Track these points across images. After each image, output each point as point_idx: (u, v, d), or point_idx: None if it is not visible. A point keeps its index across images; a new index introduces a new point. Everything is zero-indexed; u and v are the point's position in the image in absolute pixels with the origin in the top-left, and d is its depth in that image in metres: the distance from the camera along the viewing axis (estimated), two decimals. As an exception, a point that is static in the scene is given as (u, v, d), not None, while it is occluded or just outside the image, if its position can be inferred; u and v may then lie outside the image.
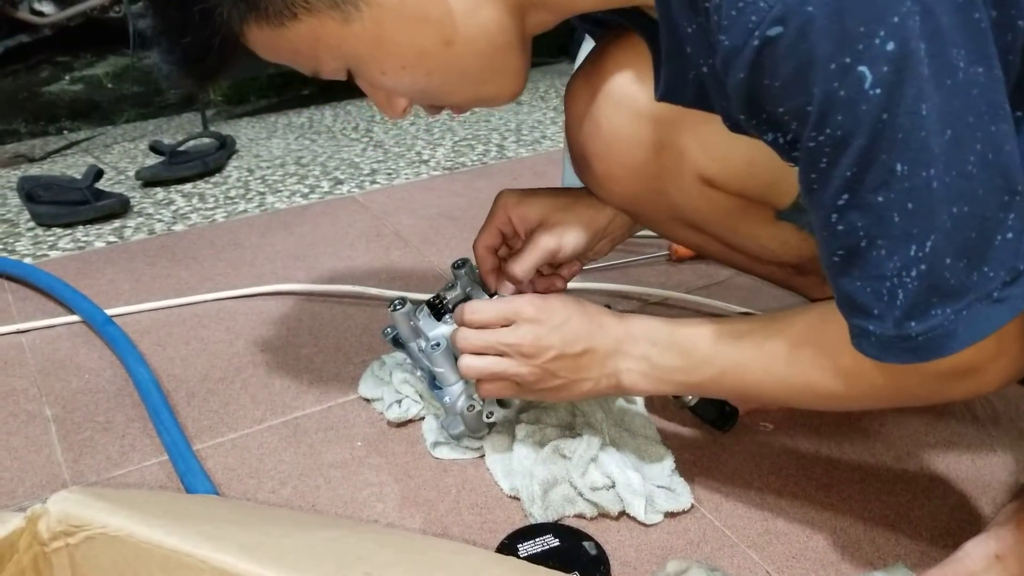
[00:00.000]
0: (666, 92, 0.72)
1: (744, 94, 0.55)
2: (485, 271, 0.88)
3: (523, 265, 0.84)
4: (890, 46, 0.49)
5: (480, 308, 0.77)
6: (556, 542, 0.73)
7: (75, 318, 1.16)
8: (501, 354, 0.75)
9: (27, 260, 1.35)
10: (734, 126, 0.67)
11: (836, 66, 0.50)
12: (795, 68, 0.51)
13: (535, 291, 0.89)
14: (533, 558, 0.71)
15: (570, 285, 1.21)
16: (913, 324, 0.56)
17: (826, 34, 0.49)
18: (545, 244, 0.84)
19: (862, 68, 0.49)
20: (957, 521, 0.81)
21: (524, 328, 0.74)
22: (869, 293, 0.57)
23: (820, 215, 0.57)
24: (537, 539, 0.74)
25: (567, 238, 0.84)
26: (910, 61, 0.49)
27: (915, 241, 0.53)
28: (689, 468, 0.86)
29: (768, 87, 0.53)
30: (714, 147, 0.76)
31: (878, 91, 0.50)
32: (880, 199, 0.53)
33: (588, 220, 0.85)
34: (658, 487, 0.82)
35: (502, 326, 0.75)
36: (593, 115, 0.77)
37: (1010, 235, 0.54)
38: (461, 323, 0.78)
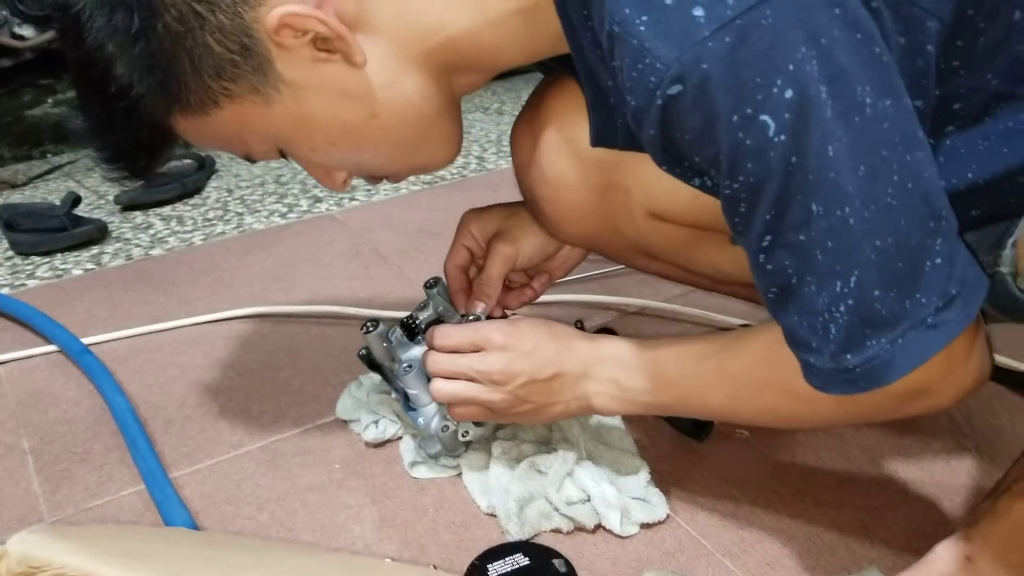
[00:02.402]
0: (597, 139, 0.73)
1: (659, 147, 0.57)
2: (455, 291, 0.89)
3: (487, 276, 0.85)
4: (788, 93, 0.50)
5: (449, 333, 0.78)
6: (526, 561, 0.74)
7: (52, 348, 1.16)
8: (472, 379, 0.75)
9: (5, 290, 1.35)
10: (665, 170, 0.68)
11: (739, 118, 0.51)
12: (701, 122, 0.52)
13: (506, 305, 0.90)
14: (503, 579, 0.72)
15: (549, 298, 1.22)
16: (849, 356, 0.57)
17: (724, 88, 0.50)
18: (502, 251, 0.85)
19: (764, 117, 0.50)
20: (932, 523, 0.81)
21: (493, 356, 0.75)
22: (806, 327, 0.57)
23: (749, 255, 0.58)
24: (507, 559, 0.74)
25: (523, 243, 0.86)
26: (811, 106, 0.50)
27: (839, 277, 0.54)
28: (665, 479, 0.86)
29: (680, 140, 0.55)
30: (658, 184, 0.75)
31: (783, 137, 0.51)
32: (802, 238, 0.54)
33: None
34: (633, 499, 0.83)
35: (472, 351, 0.76)
36: (537, 161, 0.78)
37: (939, 260, 0.54)
38: (431, 347, 0.79)
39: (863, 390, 0.58)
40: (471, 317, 0.85)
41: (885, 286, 0.54)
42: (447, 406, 0.80)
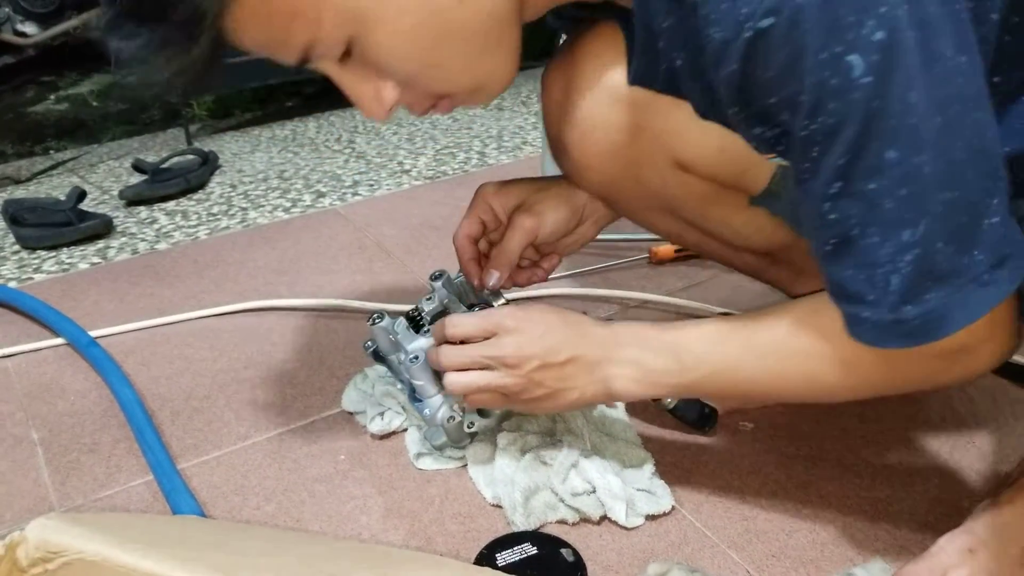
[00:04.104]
0: (636, 79, 0.73)
1: (735, 86, 0.56)
2: (465, 260, 0.87)
3: (507, 247, 0.85)
4: (879, 35, 0.50)
5: (460, 322, 0.77)
6: (534, 550, 0.74)
7: (60, 341, 1.16)
8: (485, 368, 0.75)
9: (12, 284, 1.36)
10: (704, 115, 0.68)
11: (827, 55, 0.51)
12: (787, 58, 0.52)
13: (515, 283, 0.90)
14: (511, 567, 0.72)
15: (550, 292, 1.23)
16: (909, 308, 0.56)
17: (816, 24, 0.50)
18: (525, 223, 0.85)
19: (852, 57, 0.50)
20: (936, 515, 0.82)
21: (505, 339, 0.74)
22: (862, 280, 0.57)
23: (812, 205, 0.58)
24: (515, 548, 0.74)
25: (546, 217, 0.86)
26: (899, 50, 0.50)
27: (908, 226, 0.54)
28: (670, 470, 0.87)
29: (760, 78, 0.54)
30: (687, 132, 0.76)
31: (868, 79, 0.51)
32: (872, 186, 0.54)
33: (566, 198, 0.87)
34: (638, 490, 0.83)
35: (483, 339, 0.75)
36: (569, 101, 0.78)
37: (995, 219, 0.55)
38: (442, 339, 0.78)
39: (918, 343, 0.58)
40: (479, 305, 0.85)
41: (948, 239, 0.54)
42: (463, 396, 0.78)
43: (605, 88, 0.76)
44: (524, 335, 0.74)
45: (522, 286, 0.92)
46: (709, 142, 0.77)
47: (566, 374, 0.74)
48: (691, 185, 0.81)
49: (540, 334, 0.73)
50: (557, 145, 0.83)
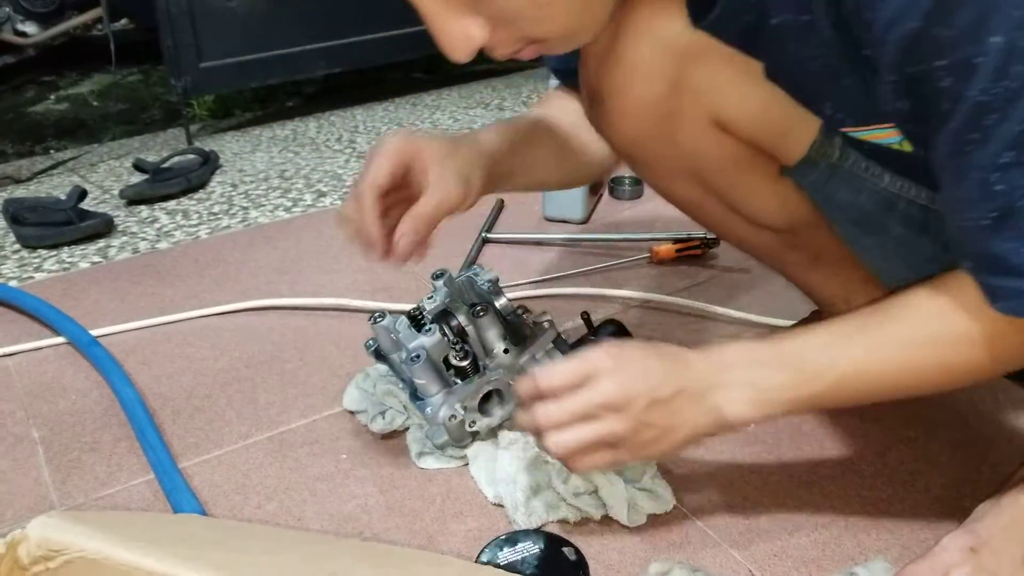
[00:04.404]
0: (709, 26, 0.70)
1: (906, 46, 0.54)
2: (369, 220, 0.75)
3: (429, 213, 0.75)
4: None
5: (552, 372, 0.69)
6: (537, 549, 0.74)
7: (61, 340, 1.16)
8: (588, 418, 0.67)
9: (13, 283, 1.36)
10: (775, 77, 0.67)
11: (1021, 14, 0.49)
12: (973, 16, 0.50)
13: (395, 258, 0.78)
14: (512, 566, 0.72)
15: (552, 291, 1.23)
16: None
17: None
18: (453, 191, 0.76)
19: None
20: (937, 515, 0.82)
21: (606, 381, 0.67)
22: None
23: (975, 175, 0.56)
24: (517, 546, 0.74)
25: (474, 185, 0.79)
26: None
27: None
28: (671, 470, 0.87)
29: (937, 37, 0.52)
30: (732, 88, 0.75)
31: None
32: None
33: (476, 165, 0.79)
34: (640, 490, 0.83)
35: (579, 385, 0.68)
36: (616, 47, 0.75)
37: None
38: (532, 395, 0.69)
39: None
40: (480, 305, 0.84)
41: None
42: (565, 460, 0.70)
43: (657, 35, 0.73)
44: (625, 373, 0.67)
45: (402, 262, 0.78)
46: (752, 101, 0.76)
47: (675, 409, 0.68)
48: (726, 147, 0.80)
49: (641, 370, 0.68)
50: (593, 93, 0.81)
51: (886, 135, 0.68)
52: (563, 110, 0.93)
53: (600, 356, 0.68)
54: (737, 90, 0.75)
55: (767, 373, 0.68)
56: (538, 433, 0.69)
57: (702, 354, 0.70)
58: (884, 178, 0.78)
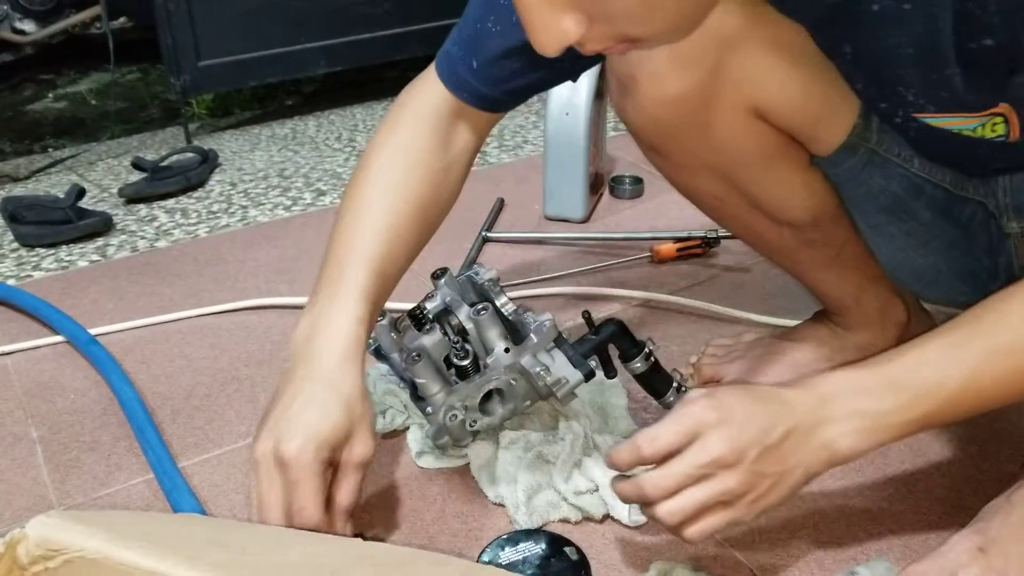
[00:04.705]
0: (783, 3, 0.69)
1: None
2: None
3: (347, 504, 0.72)
4: None
5: (656, 436, 0.66)
6: (538, 548, 0.74)
7: (59, 339, 1.16)
8: (699, 479, 0.64)
9: (11, 281, 1.35)
10: (853, 57, 0.67)
11: None
12: None
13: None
14: (514, 566, 0.72)
15: (552, 291, 1.22)
16: None
17: None
18: (359, 460, 0.73)
19: None
20: (939, 514, 0.82)
21: (712, 437, 0.64)
22: None
23: None
24: (519, 546, 0.74)
25: (368, 436, 0.74)
26: None
27: None
28: (672, 469, 0.87)
29: None
30: (773, 75, 0.74)
31: None
32: None
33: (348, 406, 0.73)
34: (641, 489, 0.83)
35: (685, 443, 0.65)
36: None
37: None
38: (635, 462, 0.67)
39: None
40: (481, 304, 0.84)
41: None
42: (679, 529, 0.67)
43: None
44: (731, 425, 0.65)
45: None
46: (793, 88, 0.75)
47: (786, 452, 0.65)
48: (761, 136, 0.79)
49: (747, 418, 0.65)
50: (625, 79, 0.78)
51: (964, 122, 0.67)
52: (415, 154, 0.85)
53: (701, 411, 0.65)
54: (778, 77, 0.75)
55: (875, 399, 0.65)
56: (646, 505, 0.67)
57: (802, 389, 0.67)
58: (914, 162, 0.78)
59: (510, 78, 0.82)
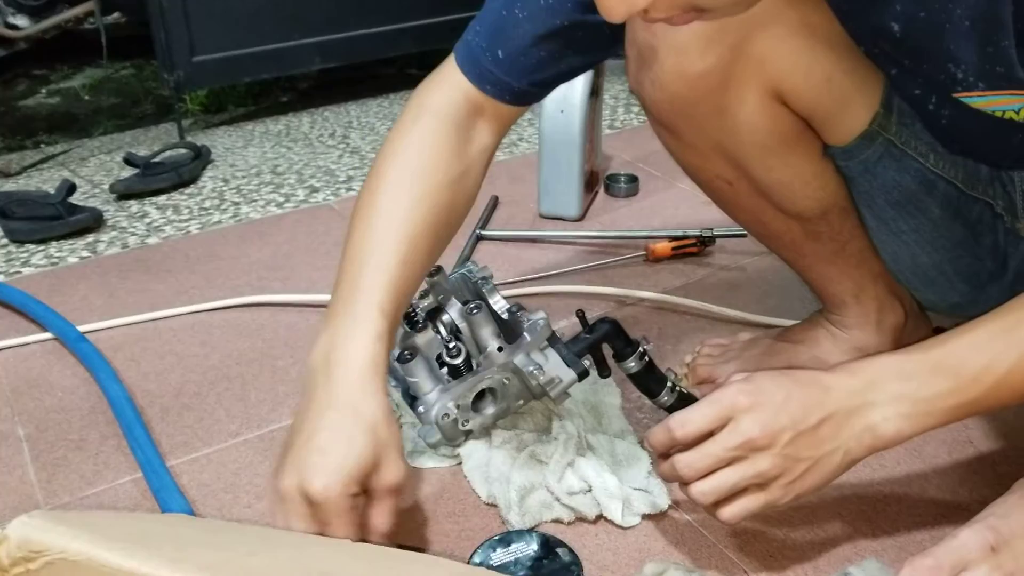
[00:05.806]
0: None
1: None
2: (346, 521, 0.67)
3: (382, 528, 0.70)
4: None
5: (688, 419, 0.67)
6: (530, 550, 0.73)
7: (48, 335, 1.15)
8: (732, 461, 0.66)
9: (0, 277, 1.34)
10: (901, 31, 0.65)
11: None
12: None
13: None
14: (506, 567, 0.71)
15: (547, 290, 1.21)
16: None
17: None
18: (393, 487, 0.70)
19: None
20: (934, 515, 0.81)
21: (745, 420, 0.65)
22: None
23: None
24: (511, 547, 0.73)
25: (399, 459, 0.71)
26: None
27: None
28: (666, 470, 0.86)
29: None
30: (797, 57, 0.73)
31: None
32: None
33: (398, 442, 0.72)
34: (635, 489, 0.82)
35: (718, 426, 0.66)
36: None
37: None
38: (668, 445, 0.68)
39: None
40: (474, 302, 0.83)
41: None
42: (714, 510, 0.68)
43: None
44: (765, 408, 0.65)
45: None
46: (817, 72, 0.74)
47: (823, 437, 0.66)
48: (778, 120, 0.78)
49: (781, 401, 0.65)
50: (646, 51, 0.77)
51: (1010, 101, 0.65)
52: (433, 158, 0.81)
53: (734, 394, 0.66)
54: (803, 59, 0.73)
55: (917, 385, 0.65)
56: (682, 484, 0.68)
57: (842, 374, 0.67)
58: (929, 157, 0.78)
59: (537, 68, 0.80)
